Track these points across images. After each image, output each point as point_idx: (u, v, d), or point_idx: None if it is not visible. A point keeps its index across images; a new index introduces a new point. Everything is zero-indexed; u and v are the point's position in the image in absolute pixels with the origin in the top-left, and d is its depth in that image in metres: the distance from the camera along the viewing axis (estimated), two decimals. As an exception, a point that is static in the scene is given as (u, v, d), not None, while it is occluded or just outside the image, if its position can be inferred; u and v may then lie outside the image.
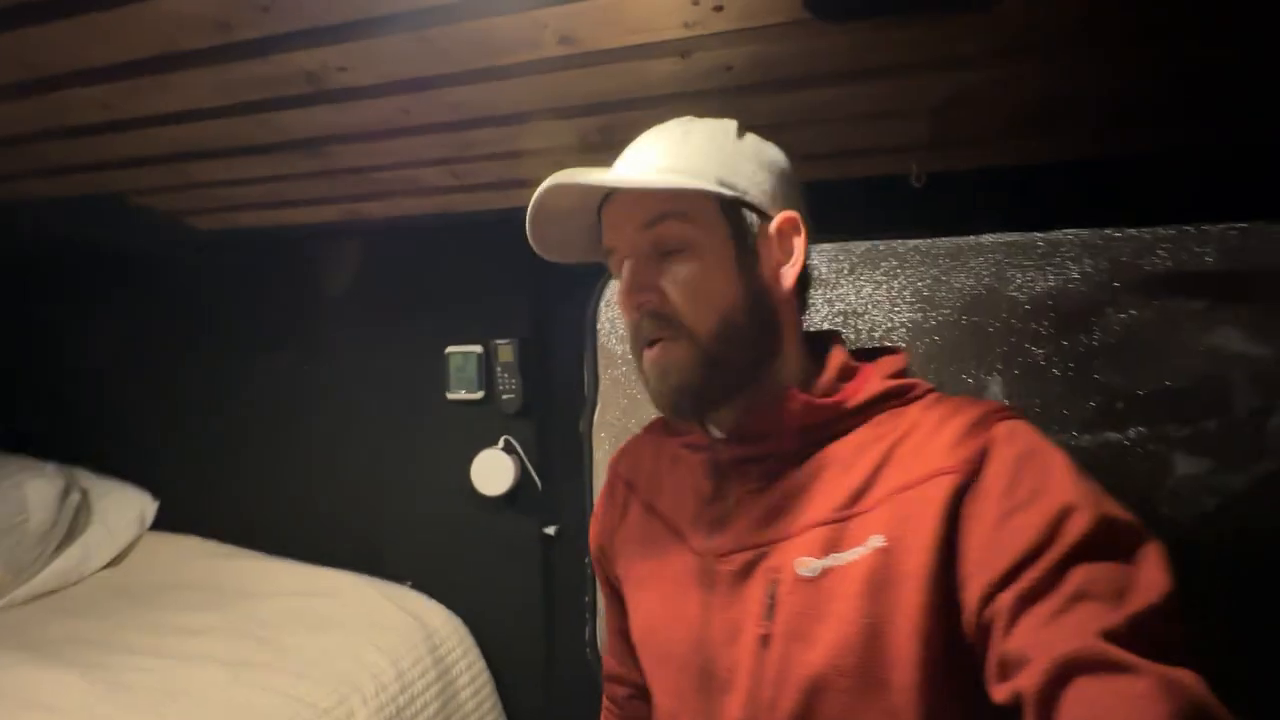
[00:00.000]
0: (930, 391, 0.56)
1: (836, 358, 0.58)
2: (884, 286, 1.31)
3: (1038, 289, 1.22)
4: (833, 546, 0.51)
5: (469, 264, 1.42)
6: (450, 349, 1.44)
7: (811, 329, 0.63)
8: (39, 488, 1.52)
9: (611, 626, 0.75)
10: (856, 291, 1.33)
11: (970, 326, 1.26)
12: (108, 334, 1.75)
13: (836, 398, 0.56)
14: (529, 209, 0.57)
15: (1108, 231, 1.16)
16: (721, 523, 0.57)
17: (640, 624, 0.64)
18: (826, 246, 1.33)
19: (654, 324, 0.56)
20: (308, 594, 1.45)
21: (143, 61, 0.80)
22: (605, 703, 0.79)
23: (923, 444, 0.51)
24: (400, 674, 1.29)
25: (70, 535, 1.57)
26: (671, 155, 0.56)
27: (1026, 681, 0.39)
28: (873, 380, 0.56)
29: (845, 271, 1.34)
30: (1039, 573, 0.42)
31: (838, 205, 1.03)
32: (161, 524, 1.72)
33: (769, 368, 0.58)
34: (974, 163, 1.06)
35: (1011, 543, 0.43)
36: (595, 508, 0.75)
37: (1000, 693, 0.42)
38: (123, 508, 1.69)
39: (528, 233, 0.59)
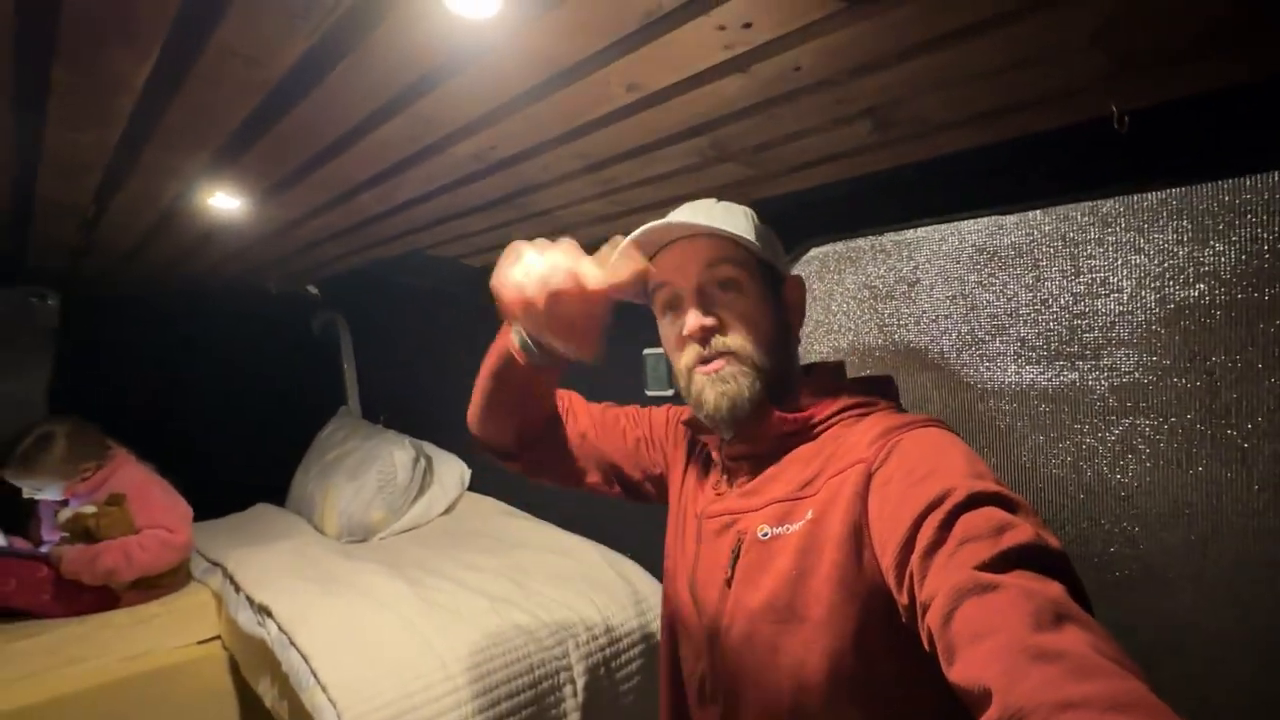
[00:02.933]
0: (890, 407, 0.70)
1: (814, 384, 0.74)
2: (1132, 257, 1.03)
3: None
4: (784, 520, 0.66)
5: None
6: (647, 351, 1.61)
7: (816, 360, 0.79)
8: (401, 455, 2.20)
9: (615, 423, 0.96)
10: (1107, 261, 1.07)
11: (1246, 301, 0.91)
12: (435, 348, 2.42)
13: (805, 414, 0.71)
14: (638, 235, 0.71)
15: None
16: (719, 498, 0.76)
17: (665, 549, 0.84)
18: (1038, 213, 1.09)
19: (714, 346, 0.71)
20: (553, 551, 1.81)
21: (388, 169, 1.14)
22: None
23: (854, 443, 0.65)
24: (609, 628, 1.52)
25: (421, 490, 2.24)
26: (719, 220, 0.72)
27: (931, 619, 0.46)
28: (839, 401, 0.71)
29: (1092, 238, 1.07)
30: (931, 529, 0.50)
31: (1040, 161, 0.90)
32: (474, 486, 2.32)
33: (778, 392, 0.72)
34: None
35: (911, 509, 0.53)
36: (675, 413, 0.93)
37: (924, 635, 0.48)
38: (452, 472, 2.32)
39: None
